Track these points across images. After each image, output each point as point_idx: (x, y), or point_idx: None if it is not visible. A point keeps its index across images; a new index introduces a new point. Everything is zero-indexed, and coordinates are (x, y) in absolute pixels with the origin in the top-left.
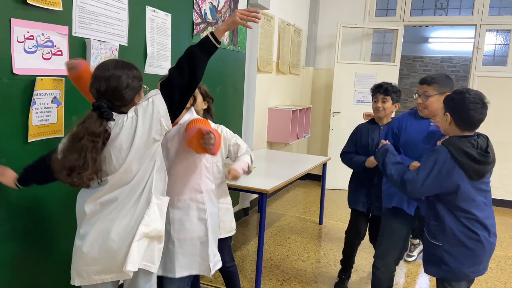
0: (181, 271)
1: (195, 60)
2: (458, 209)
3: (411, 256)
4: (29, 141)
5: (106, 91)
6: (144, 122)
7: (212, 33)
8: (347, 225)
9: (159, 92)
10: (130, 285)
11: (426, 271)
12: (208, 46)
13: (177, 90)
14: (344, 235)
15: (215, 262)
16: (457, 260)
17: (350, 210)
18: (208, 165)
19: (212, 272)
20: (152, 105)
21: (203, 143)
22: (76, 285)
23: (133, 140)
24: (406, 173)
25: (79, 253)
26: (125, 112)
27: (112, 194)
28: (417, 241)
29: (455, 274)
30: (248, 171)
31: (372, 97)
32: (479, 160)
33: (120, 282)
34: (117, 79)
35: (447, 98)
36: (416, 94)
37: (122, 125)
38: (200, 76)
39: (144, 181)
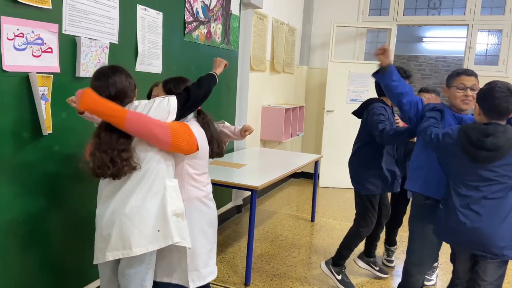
0: (161, 277)
1: (208, 83)
2: (455, 187)
3: (429, 280)
4: (46, 133)
5: (116, 94)
6: (158, 108)
7: (215, 73)
8: (361, 217)
9: (175, 96)
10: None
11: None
12: (215, 79)
13: (193, 98)
14: (358, 228)
15: (201, 275)
16: (445, 227)
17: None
18: (196, 172)
19: (194, 285)
20: (168, 101)
21: None
22: (100, 262)
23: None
24: (436, 129)
25: (100, 231)
26: None
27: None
28: (435, 264)
29: (438, 235)
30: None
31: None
32: (474, 143)
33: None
34: (121, 82)
35: (479, 90)
36: (466, 89)
37: (135, 108)
38: (208, 95)
39: (155, 164)
